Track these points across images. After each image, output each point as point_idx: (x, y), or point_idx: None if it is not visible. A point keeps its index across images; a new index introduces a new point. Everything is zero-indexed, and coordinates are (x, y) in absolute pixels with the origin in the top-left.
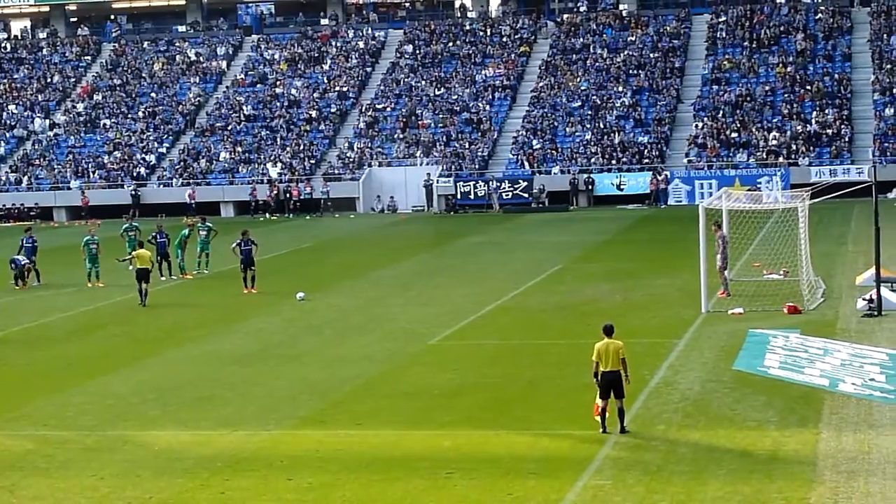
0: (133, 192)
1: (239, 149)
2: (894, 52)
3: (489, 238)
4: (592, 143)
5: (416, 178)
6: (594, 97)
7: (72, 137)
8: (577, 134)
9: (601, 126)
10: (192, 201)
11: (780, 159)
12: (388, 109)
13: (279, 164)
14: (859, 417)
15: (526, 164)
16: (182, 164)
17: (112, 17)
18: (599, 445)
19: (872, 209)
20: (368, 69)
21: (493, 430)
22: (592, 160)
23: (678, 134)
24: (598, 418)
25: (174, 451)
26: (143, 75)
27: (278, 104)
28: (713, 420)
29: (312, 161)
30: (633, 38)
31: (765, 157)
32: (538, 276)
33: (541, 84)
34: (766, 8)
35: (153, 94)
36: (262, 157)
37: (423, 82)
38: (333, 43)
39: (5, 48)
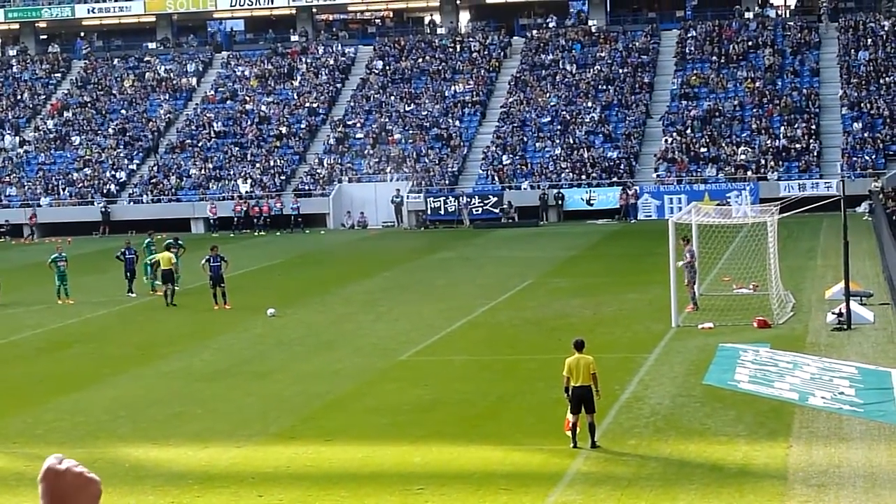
0: (103, 209)
1: (209, 165)
2: (862, 68)
3: (459, 254)
4: (562, 159)
5: (386, 193)
6: (563, 112)
7: (42, 154)
8: (546, 149)
9: (570, 141)
10: (214, 216)
11: (749, 174)
12: (358, 125)
13: (249, 181)
14: (829, 431)
15: (496, 179)
16: (152, 180)
17: (82, 34)
18: (570, 460)
19: (841, 223)
20: (338, 85)
21: (464, 445)
22: (562, 175)
23: (647, 149)
24: (568, 433)
25: (144, 467)
26: (114, 92)
27: (248, 120)
28: (684, 434)
29: (282, 177)
30: (603, 54)
31: (734, 171)
32: (508, 292)
33: (510, 100)
34: (735, 23)
35: (123, 111)
36: (232, 173)
37: (393, 98)
38: (303, 59)
39: None
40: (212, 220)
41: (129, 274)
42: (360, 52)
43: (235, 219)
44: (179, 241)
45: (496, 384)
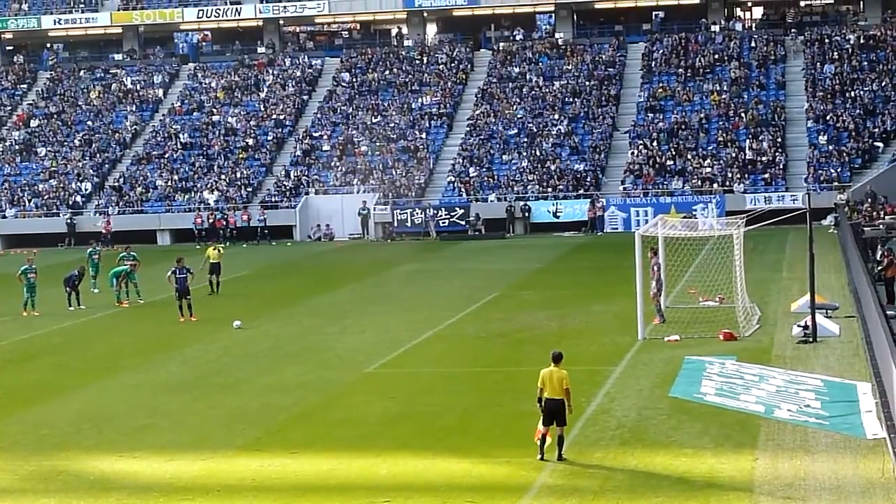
0: (69, 221)
1: (175, 177)
2: (828, 81)
3: (426, 266)
4: (529, 171)
5: (352, 205)
6: (530, 125)
7: (7, 166)
8: (513, 161)
9: (537, 154)
10: (108, 233)
11: (716, 186)
12: (325, 137)
13: (216, 192)
14: (795, 444)
15: (463, 191)
16: (118, 192)
17: (48, 45)
18: (536, 473)
19: (807, 236)
20: (305, 97)
21: (430, 458)
22: (529, 188)
23: (614, 161)
24: (538, 442)
25: (109, 480)
26: (80, 103)
27: (215, 132)
28: (650, 447)
29: (249, 189)
30: (569, 67)
31: (700, 184)
32: (474, 304)
33: (477, 112)
34: (701, 36)
35: (89, 123)
36: (199, 184)
37: (360, 110)
38: (270, 71)
39: None
40: (107, 237)
41: (69, 290)
42: (326, 64)
43: (196, 231)
44: (133, 253)
45: (462, 396)
